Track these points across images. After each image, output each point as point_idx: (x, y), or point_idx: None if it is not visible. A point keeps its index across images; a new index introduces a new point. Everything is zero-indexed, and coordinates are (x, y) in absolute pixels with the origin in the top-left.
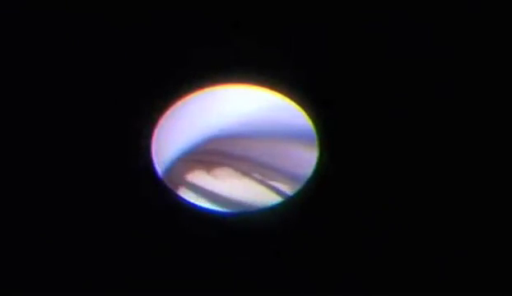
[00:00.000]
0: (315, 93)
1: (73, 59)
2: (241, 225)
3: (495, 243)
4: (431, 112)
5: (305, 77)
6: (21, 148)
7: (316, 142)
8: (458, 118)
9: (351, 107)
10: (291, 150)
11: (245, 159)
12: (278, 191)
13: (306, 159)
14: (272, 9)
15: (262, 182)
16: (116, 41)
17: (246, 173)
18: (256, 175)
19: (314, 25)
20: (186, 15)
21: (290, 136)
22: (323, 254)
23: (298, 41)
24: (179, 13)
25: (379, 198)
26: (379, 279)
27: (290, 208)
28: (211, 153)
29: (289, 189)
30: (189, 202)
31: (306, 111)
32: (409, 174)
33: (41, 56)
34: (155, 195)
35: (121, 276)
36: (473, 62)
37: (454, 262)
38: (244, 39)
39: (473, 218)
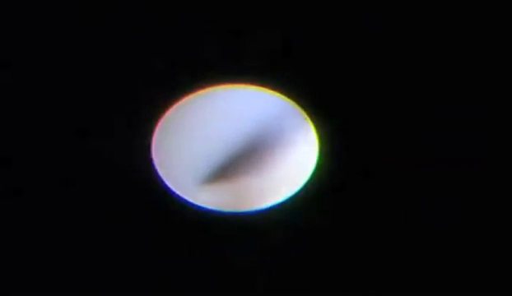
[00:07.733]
0: (316, 95)
1: (74, 59)
2: (242, 225)
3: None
4: (433, 115)
5: (306, 79)
6: (21, 146)
7: (316, 143)
8: (462, 123)
9: (352, 109)
10: (291, 150)
11: (245, 159)
12: (278, 192)
13: (306, 159)
14: (274, 10)
15: (261, 182)
16: (117, 41)
17: (246, 173)
18: (256, 175)
19: (315, 25)
20: (187, 15)
21: (290, 136)
22: (322, 254)
23: (299, 42)
24: (179, 13)
25: (379, 200)
26: (379, 279)
27: (289, 208)
28: (210, 153)
29: (288, 189)
30: (190, 202)
31: (306, 112)
32: (411, 178)
33: (41, 55)
34: (156, 195)
35: (121, 276)
36: (476, 64)
37: (453, 262)
38: (245, 40)
39: (474, 218)
